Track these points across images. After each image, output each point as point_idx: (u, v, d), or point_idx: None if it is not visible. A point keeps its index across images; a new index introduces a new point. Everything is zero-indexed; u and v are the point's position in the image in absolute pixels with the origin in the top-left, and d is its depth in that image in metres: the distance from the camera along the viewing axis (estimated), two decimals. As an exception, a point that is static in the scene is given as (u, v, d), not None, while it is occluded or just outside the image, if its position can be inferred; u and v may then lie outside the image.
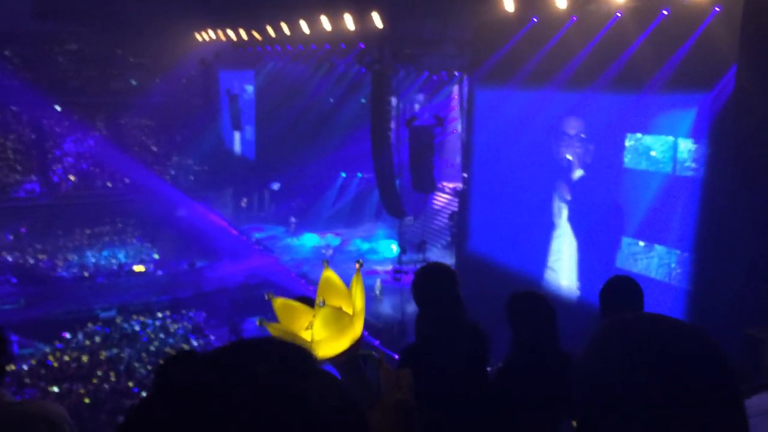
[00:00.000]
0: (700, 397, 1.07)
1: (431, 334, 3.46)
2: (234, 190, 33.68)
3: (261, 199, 33.40)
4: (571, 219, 14.88)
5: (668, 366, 1.09)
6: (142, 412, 0.88)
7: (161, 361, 2.97)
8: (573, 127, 14.51)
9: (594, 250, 14.25)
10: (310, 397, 0.88)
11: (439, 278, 3.52)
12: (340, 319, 1.53)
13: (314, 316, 1.55)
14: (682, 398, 1.07)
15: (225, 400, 0.84)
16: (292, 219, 29.19)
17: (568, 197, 14.85)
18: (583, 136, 14.33)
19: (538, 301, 3.62)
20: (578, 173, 14.52)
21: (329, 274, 1.66)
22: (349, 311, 1.60)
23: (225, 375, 0.89)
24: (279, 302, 1.63)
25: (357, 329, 1.59)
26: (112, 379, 17.86)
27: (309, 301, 1.71)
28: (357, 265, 1.71)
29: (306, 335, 1.53)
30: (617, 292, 3.71)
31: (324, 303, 1.52)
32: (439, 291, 3.45)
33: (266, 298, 1.66)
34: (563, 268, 15.15)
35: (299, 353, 0.97)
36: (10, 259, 27.94)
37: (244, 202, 30.99)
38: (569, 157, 14.55)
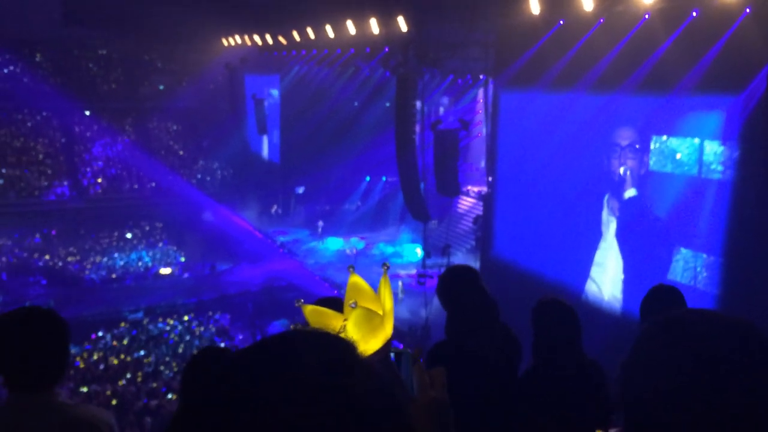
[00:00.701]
0: (754, 392, 1.05)
1: (461, 336, 3.45)
2: (259, 194, 33.93)
3: (286, 202, 33.59)
4: (620, 232, 14.41)
5: (718, 360, 1.07)
6: (190, 415, 0.88)
7: (191, 359, 2.97)
8: (625, 137, 14.01)
9: (641, 262, 13.90)
10: (354, 390, 0.87)
11: (462, 279, 3.52)
12: (371, 319, 1.54)
13: (345, 319, 1.55)
14: (734, 393, 1.05)
15: (269, 394, 0.84)
16: (320, 223, 29.25)
17: (618, 213, 14.46)
18: (637, 146, 13.81)
19: (561, 308, 3.58)
20: (631, 191, 14.06)
21: (356, 279, 1.66)
22: (379, 312, 1.60)
23: (268, 369, 0.88)
24: (309, 309, 1.64)
25: (388, 329, 1.59)
26: (139, 380, 18.07)
27: (337, 303, 1.71)
28: (384, 268, 1.72)
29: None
30: (659, 301, 3.66)
31: (356, 304, 1.52)
32: (463, 292, 3.46)
33: (296, 304, 1.66)
34: (605, 281, 14.80)
35: (342, 345, 0.96)
36: (40, 261, 28.44)
37: (274, 209, 31.09)
38: (621, 170, 14.10)
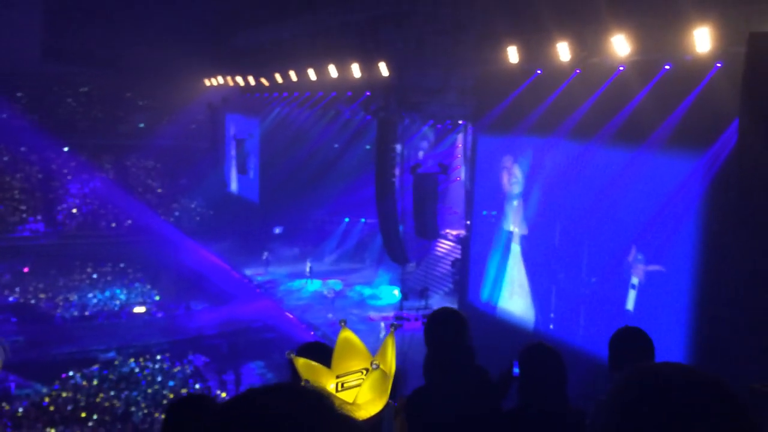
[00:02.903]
0: None
1: (438, 378, 3.49)
2: (237, 234, 33.71)
3: (265, 242, 33.38)
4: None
5: (687, 417, 1.10)
6: None
7: (171, 407, 2.93)
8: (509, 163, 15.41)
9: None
10: None
11: (449, 324, 3.58)
12: (385, 381, 1.56)
13: (337, 375, 1.57)
14: None
15: None
16: (308, 263, 28.92)
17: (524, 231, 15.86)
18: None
19: (548, 354, 3.63)
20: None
21: (348, 335, 1.68)
22: (369, 369, 1.61)
23: (248, 423, 0.91)
24: (301, 362, 1.67)
25: (389, 390, 1.61)
26: (108, 421, 17.62)
27: (320, 350, 1.72)
28: (392, 328, 1.73)
29: (346, 396, 1.54)
30: (630, 346, 3.70)
31: (378, 366, 1.53)
32: (447, 336, 3.51)
33: (287, 356, 1.69)
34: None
35: (320, 400, 0.99)
36: (11, 298, 27.86)
37: (265, 255, 30.64)
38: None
